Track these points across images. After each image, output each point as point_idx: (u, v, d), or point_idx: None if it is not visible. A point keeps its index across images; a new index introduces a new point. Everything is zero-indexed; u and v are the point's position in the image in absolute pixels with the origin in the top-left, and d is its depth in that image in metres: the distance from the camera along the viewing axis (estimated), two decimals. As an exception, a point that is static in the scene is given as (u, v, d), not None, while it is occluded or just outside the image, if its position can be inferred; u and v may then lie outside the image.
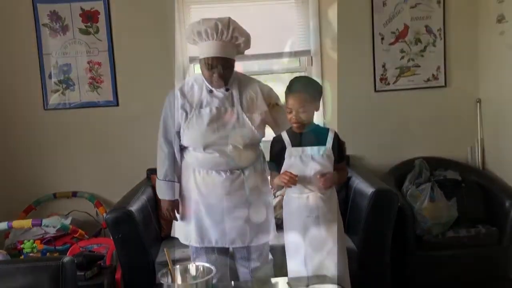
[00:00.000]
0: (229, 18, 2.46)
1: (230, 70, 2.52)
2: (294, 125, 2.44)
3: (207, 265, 2.18)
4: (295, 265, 2.47)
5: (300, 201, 2.45)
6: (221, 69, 2.45)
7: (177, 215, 2.69)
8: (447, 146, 3.99)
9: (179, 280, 2.14)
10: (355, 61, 3.93)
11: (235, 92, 2.55)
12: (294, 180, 2.37)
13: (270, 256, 2.76)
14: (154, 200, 3.38)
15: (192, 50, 3.73)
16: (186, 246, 2.70)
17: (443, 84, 3.99)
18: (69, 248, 3.27)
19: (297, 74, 3.75)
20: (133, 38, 3.84)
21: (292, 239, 2.49)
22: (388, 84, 3.96)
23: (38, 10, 3.79)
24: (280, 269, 2.64)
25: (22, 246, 3.29)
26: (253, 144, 2.60)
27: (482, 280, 3.38)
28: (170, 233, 2.88)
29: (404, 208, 3.29)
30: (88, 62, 3.86)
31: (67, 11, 3.81)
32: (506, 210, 3.39)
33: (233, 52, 2.51)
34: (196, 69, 3.86)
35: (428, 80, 3.98)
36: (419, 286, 3.37)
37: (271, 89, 2.67)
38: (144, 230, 3.06)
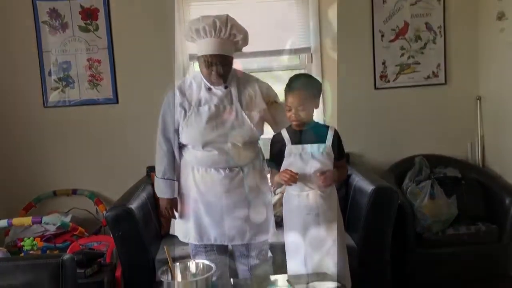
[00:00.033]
0: (227, 15, 2.46)
1: (229, 67, 2.51)
2: (294, 123, 2.44)
3: (207, 262, 2.19)
4: (295, 263, 2.47)
5: (300, 199, 2.45)
6: (219, 66, 2.45)
7: (176, 213, 2.69)
8: (447, 143, 3.98)
9: (179, 277, 2.15)
10: (355, 59, 3.92)
11: (233, 90, 2.54)
12: (294, 178, 2.37)
13: (270, 254, 2.76)
14: (154, 197, 3.37)
15: (192, 48, 3.71)
16: (186, 244, 2.69)
17: (443, 82, 3.98)
18: (69, 245, 3.27)
19: (297, 72, 3.73)
20: (133, 36, 3.84)
21: (292, 237, 2.49)
22: (388, 81, 3.96)
23: (37, 8, 3.79)
24: (280, 267, 2.64)
25: (22, 243, 3.30)
26: (252, 142, 2.59)
27: (482, 278, 3.38)
28: (169, 231, 2.88)
29: (404, 206, 3.29)
30: (88, 60, 3.85)
31: (67, 8, 3.80)
32: (506, 207, 3.39)
33: (231, 49, 2.50)
34: (196, 67, 3.85)
35: (428, 77, 3.97)
36: (419, 283, 3.38)
37: (269, 87, 2.67)
38: (144, 227, 3.06)
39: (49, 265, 1.94)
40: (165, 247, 2.18)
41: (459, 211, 3.45)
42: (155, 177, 2.69)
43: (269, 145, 2.56)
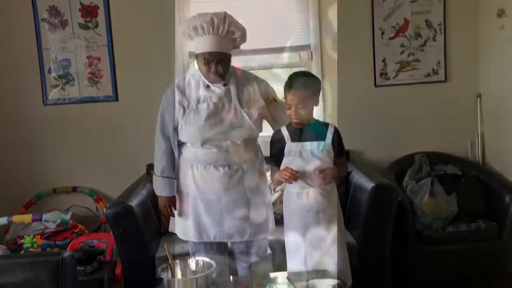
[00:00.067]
0: (225, 12, 2.45)
1: (227, 65, 2.51)
2: (294, 121, 2.44)
3: (207, 259, 2.19)
4: (295, 261, 2.47)
5: (300, 196, 2.45)
6: (218, 63, 2.44)
7: (175, 211, 2.68)
8: (447, 141, 3.98)
9: (179, 274, 2.15)
10: (355, 56, 3.92)
11: (232, 87, 2.53)
12: (295, 176, 2.37)
13: (269, 251, 2.76)
14: (154, 195, 3.35)
15: (192, 45, 3.71)
16: (186, 241, 2.69)
17: (443, 79, 3.98)
18: (69, 243, 3.27)
19: (297, 69, 3.74)
20: (133, 33, 3.83)
21: (292, 235, 2.49)
22: (388, 79, 3.96)
23: (37, 5, 3.79)
24: (279, 264, 2.64)
25: (22, 241, 3.30)
26: (251, 140, 2.59)
27: (482, 275, 3.38)
28: (169, 229, 2.88)
29: (404, 203, 3.29)
30: (88, 57, 3.85)
31: (66, 5, 3.80)
32: (506, 205, 3.39)
33: (229, 46, 2.50)
34: (196, 64, 3.85)
35: (428, 75, 3.97)
36: (419, 281, 3.38)
37: (268, 84, 2.67)
38: (144, 225, 3.06)
39: (49, 263, 1.94)
40: (165, 245, 2.18)
41: (459, 209, 3.45)
42: (154, 175, 2.69)
43: (269, 143, 2.56)
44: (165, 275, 2.08)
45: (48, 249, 3.28)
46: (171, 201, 2.66)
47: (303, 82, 2.41)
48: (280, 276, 2.31)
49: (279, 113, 2.61)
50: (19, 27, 3.81)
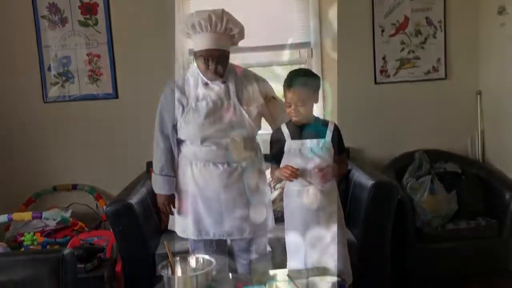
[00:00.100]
0: (222, 9, 2.45)
1: (225, 62, 2.50)
2: (294, 119, 2.44)
3: (207, 257, 2.19)
4: (296, 258, 2.47)
5: (300, 194, 2.44)
6: (216, 61, 2.43)
7: (173, 210, 2.68)
8: (447, 138, 3.98)
9: (179, 272, 2.15)
10: (355, 53, 3.91)
11: (231, 85, 2.53)
12: (295, 174, 2.36)
13: (269, 248, 2.76)
14: (154, 192, 3.34)
15: (191, 42, 3.71)
16: (186, 239, 2.69)
17: (444, 76, 3.98)
18: (69, 240, 3.28)
19: (297, 67, 3.73)
20: (133, 30, 3.83)
21: (292, 232, 2.48)
22: (388, 76, 3.95)
23: (37, 2, 3.79)
24: (279, 261, 2.64)
25: (22, 238, 3.30)
26: (250, 137, 2.59)
27: (482, 273, 3.38)
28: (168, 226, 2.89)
29: (404, 201, 3.29)
30: (88, 55, 3.85)
31: (66, 3, 3.80)
32: (506, 202, 3.39)
33: (227, 43, 2.49)
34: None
35: (429, 72, 3.96)
36: (419, 278, 3.38)
37: (267, 82, 2.66)
38: (144, 222, 3.06)
39: (49, 260, 1.94)
40: (165, 242, 2.18)
41: (459, 206, 3.45)
42: (153, 173, 2.68)
43: (268, 141, 2.55)
44: (165, 273, 2.08)
45: (48, 246, 3.28)
46: (170, 199, 2.66)
47: (303, 80, 2.40)
48: (280, 274, 2.31)
49: (277, 111, 2.61)
50: (18, 24, 3.81)
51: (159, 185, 2.65)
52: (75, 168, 3.93)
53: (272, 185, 3.25)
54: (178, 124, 2.53)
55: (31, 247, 3.24)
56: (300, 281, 2.09)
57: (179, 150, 2.62)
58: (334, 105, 3.73)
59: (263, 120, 2.67)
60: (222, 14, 2.42)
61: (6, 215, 3.15)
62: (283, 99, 2.48)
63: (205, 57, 2.44)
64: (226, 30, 2.44)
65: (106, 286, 2.94)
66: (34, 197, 3.84)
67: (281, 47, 3.94)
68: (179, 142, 2.61)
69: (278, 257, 2.68)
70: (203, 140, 2.49)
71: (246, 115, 2.50)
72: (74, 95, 3.88)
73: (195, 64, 2.58)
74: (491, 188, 3.57)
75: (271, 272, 2.39)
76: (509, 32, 3.51)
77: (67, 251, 1.99)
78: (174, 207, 2.67)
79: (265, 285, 2.09)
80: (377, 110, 3.96)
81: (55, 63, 3.84)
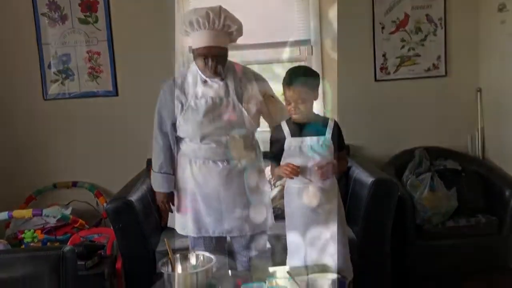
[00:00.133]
0: (220, 6, 2.44)
1: (224, 59, 2.50)
2: (294, 116, 2.43)
3: (207, 254, 2.20)
4: (296, 255, 2.47)
5: (300, 191, 2.44)
6: (214, 58, 2.43)
7: (173, 207, 2.68)
8: (447, 135, 3.98)
9: (179, 269, 2.15)
10: (356, 51, 3.91)
11: (230, 82, 2.52)
12: (296, 171, 2.36)
13: (268, 245, 2.76)
14: (153, 190, 3.37)
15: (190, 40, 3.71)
16: (186, 236, 2.69)
17: (444, 74, 3.97)
18: (70, 237, 3.28)
19: (297, 64, 3.73)
20: (132, 28, 3.83)
21: (293, 230, 2.49)
22: (389, 73, 3.95)
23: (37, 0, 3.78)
24: (278, 259, 2.64)
25: (22, 235, 3.31)
26: (249, 134, 2.59)
27: (482, 270, 3.38)
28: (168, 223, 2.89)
29: (404, 198, 3.29)
30: (88, 52, 3.85)
31: (66, 0, 3.79)
32: (506, 199, 3.39)
33: (225, 40, 2.49)
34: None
35: (429, 69, 3.96)
36: (419, 275, 3.38)
37: (265, 80, 2.66)
38: (144, 219, 3.06)
39: (49, 257, 1.94)
40: (165, 239, 2.19)
41: (459, 203, 3.45)
42: (152, 171, 2.68)
43: (269, 138, 2.55)
44: (166, 270, 2.09)
45: (48, 243, 3.29)
46: (169, 197, 2.66)
47: (302, 78, 2.39)
48: (280, 271, 2.32)
49: (276, 109, 2.61)
50: (18, 21, 3.81)
51: (158, 183, 2.65)
52: (75, 165, 3.93)
53: (272, 183, 3.25)
54: (177, 122, 2.52)
55: (32, 244, 3.25)
56: (301, 278, 2.10)
57: (178, 148, 2.62)
58: (334, 102, 3.73)
59: (262, 119, 2.67)
60: (219, 11, 2.41)
61: (7, 212, 3.15)
62: (282, 98, 2.48)
63: (204, 54, 2.43)
64: (224, 27, 2.43)
65: (107, 283, 2.95)
66: (34, 194, 3.84)
67: (281, 44, 3.92)
68: (178, 139, 2.60)
69: (278, 254, 2.68)
70: (202, 138, 2.49)
71: (245, 113, 2.50)
72: (74, 92, 3.88)
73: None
74: (491, 185, 3.57)
75: (271, 269, 2.40)
76: (510, 30, 3.51)
77: (67, 248, 1.99)
78: (173, 205, 2.67)
79: (265, 282, 2.10)
80: (377, 107, 3.96)
81: (55, 60, 3.84)
